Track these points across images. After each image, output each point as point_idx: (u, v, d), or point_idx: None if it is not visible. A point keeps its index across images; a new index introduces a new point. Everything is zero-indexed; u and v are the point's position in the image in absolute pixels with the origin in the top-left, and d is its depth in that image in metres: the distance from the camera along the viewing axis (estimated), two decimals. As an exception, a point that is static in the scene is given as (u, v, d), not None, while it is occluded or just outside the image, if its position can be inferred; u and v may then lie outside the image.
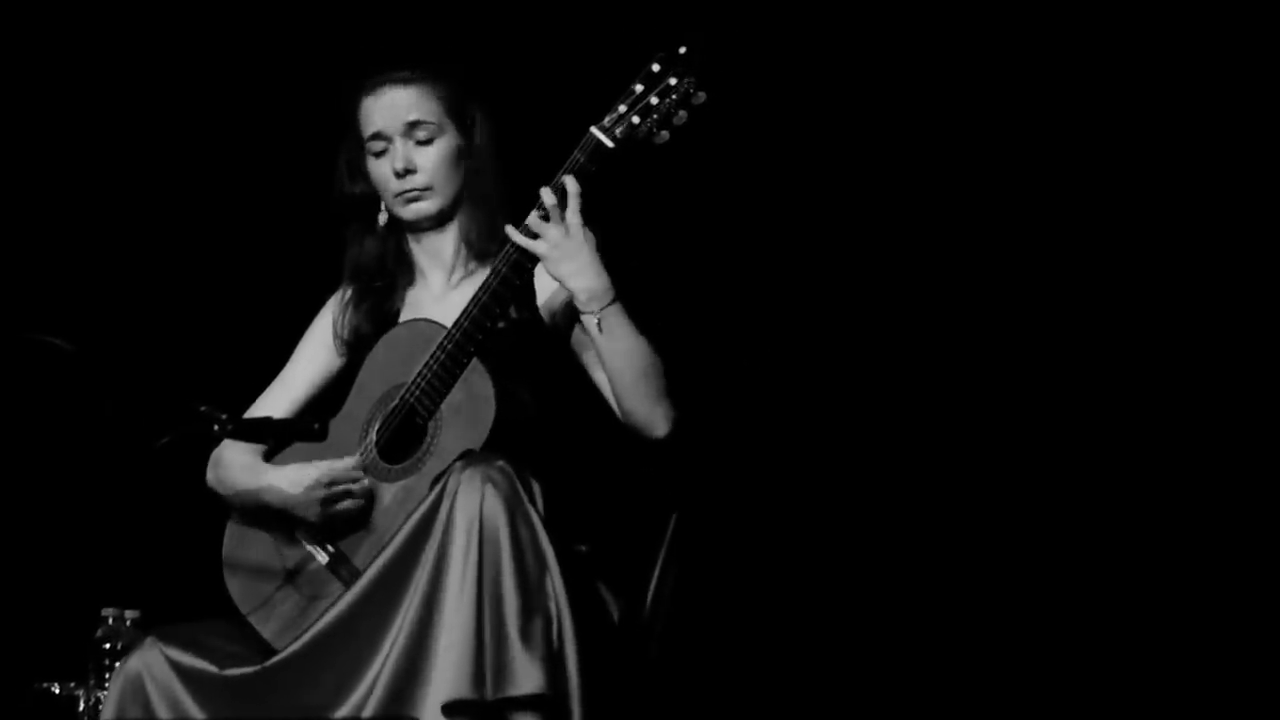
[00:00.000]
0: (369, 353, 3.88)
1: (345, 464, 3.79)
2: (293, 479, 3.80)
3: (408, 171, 3.89)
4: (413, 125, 3.89)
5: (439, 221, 3.95)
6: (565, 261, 3.69)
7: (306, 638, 3.59)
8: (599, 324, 3.71)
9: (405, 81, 3.91)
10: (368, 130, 3.91)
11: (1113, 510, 4.67)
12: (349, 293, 4.00)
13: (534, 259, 3.71)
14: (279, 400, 4.01)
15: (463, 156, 3.92)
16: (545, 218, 3.69)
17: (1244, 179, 4.62)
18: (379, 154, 3.91)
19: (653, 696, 3.76)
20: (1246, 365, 4.62)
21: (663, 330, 3.77)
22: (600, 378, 3.84)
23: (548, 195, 3.69)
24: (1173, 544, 4.63)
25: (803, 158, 4.77)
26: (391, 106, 3.90)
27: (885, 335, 4.77)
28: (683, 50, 3.69)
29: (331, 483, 3.77)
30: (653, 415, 3.77)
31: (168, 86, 4.98)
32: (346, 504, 3.78)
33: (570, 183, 3.69)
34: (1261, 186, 4.61)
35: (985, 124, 4.71)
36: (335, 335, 4.00)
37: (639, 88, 3.69)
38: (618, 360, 3.74)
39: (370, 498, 3.78)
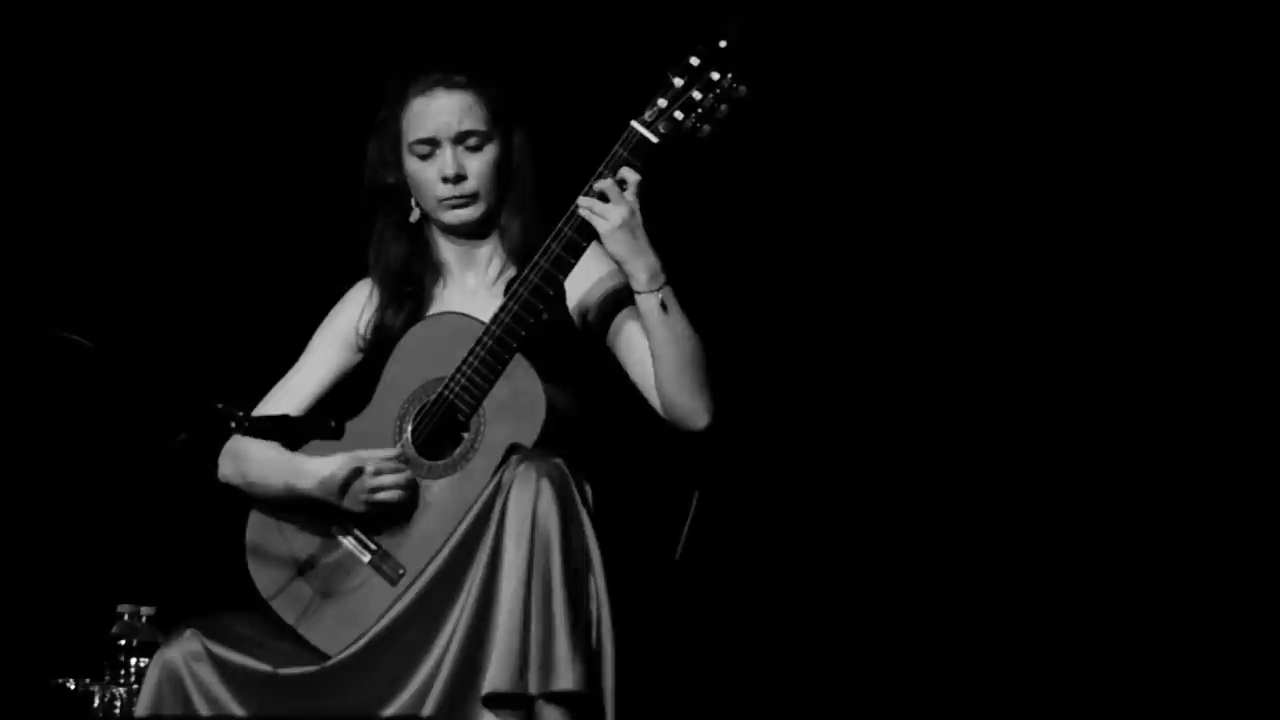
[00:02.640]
0: (396, 345, 3.86)
1: (388, 453, 3.77)
2: (334, 469, 3.77)
3: (458, 178, 3.86)
4: (465, 134, 3.86)
5: (479, 227, 3.92)
6: (629, 240, 3.69)
7: (365, 639, 3.60)
8: (661, 303, 3.71)
9: (459, 86, 3.86)
10: (417, 133, 3.87)
11: (1131, 508, 4.68)
12: (377, 295, 3.97)
13: (589, 237, 3.71)
14: (295, 392, 3.98)
15: (507, 163, 3.90)
16: (602, 198, 3.70)
17: (1244, 179, 4.61)
18: (425, 157, 3.88)
19: (678, 695, 3.77)
20: (1246, 365, 4.61)
21: (703, 321, 3.77)
22: (640, 371, 3.82)
23: (608, 182, 3.69)
24: (1172, 544, 4.64)
25: (833, 149, 4.78)
26: (446, 111, 3.85)
27: (908, 328, 4.78)
28: (723, 44, 3.69)
29: (376, 472, 3.75)
30: (696, 405, 3.76)
31: (183, 85, 4.97)
32: (392, 494, 3.76)
33: (628, 171, 3.68)
34: (1261, 186, 4.60)
35: (1010, 118, 4.72)
36: (356, 332, 3.99)
37: (679, 82, 3.69)
38: (670, 345, 3.73)
39: (414, 490, 3.77)
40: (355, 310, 3.99)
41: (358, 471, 3.75)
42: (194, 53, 4.96)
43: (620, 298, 3.83)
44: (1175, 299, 4.67)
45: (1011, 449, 4.73)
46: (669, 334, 3.73)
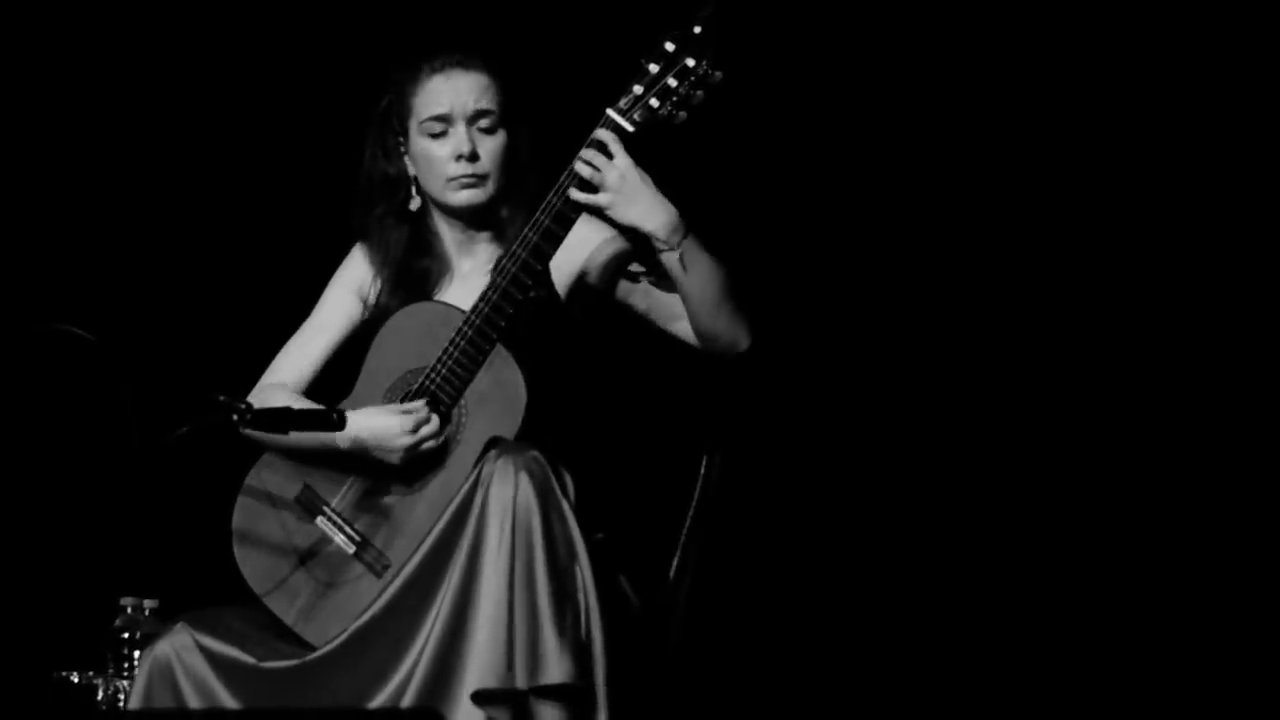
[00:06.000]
0: (377, 334, 3.84)
1: (420, 404, 3.73)
2: (375, 419, 3.72)
3: (472, 156, 3.84)
4: (480, 113, 3.84)
5: (483, 212, 3.89)
6: (633, 204, 3.69)
7: (348, 633, 3.60)
8: (681, 258, 3.70)
9: (474, 67, 3.84)
10: (431, 110, 3.84)
11: (1132, 510, 4.69)
12: (381, 283, 3.92)
13: (566, 226, 3.69)
14: (310, 343, 3.93)
15: (515, 154, 3.87)
16: (582, 186, 3.67)
17: (1244, 179, 4.61)
18: (437, 135, 3.85)
19: (673, 685, 3.77)
20: (1246, 365, 4.61)
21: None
22: (674, 326, 3.82)
23: (590, 153, 3.67)
24: (1172, 544, 4.63)
25: (814, 140, 4.77)
26: (463, 90, 3.83)
27: (904, 324, 4.77)
28: (697, 30, 3.66)
29: (416, 426, 3.70)
30: (738, 331, 3.77)
31: (181, 81, 4.98)
32: (430, 444, 3.71)
33: (607, 134, 3.67)
34: (1261, 186, 4.60)
35: (993, 114, 4.71)
36: (368, 286, 3.93)
37: (654, 68, 3.66)
38: (701, 289, 3.73)
39: (446, 439, 3.73)
40: (365, 270, 3.95)
41: (396, 421, 3.71)
42: (192, 50, 4.97)
43: (622, 255, 3.83)
44: (1174, 298, 4.66)
45: (1015, 446, 4.72)
46: (698, 281, 3.72)
